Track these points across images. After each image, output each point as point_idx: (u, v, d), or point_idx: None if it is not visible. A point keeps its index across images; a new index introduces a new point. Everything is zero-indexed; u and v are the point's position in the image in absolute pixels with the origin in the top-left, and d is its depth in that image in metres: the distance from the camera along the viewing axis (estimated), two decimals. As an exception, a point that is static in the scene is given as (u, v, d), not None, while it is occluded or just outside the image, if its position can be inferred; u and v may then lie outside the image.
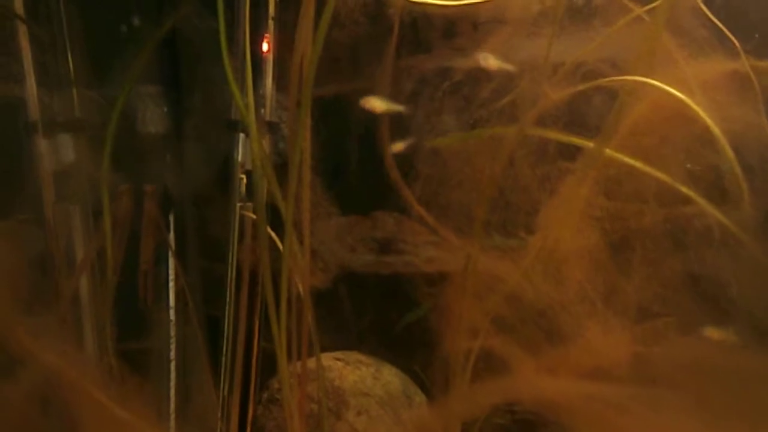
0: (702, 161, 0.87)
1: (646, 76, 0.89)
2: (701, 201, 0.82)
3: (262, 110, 1.11)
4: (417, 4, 1.16)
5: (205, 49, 1.25)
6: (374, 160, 1.30)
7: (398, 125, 1.22)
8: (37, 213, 1.04)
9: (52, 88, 1.08)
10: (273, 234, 0.90)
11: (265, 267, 0.85)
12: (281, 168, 1.09)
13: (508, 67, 1.13)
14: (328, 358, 1.00)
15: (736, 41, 1.03)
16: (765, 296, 0.85)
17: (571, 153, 1.11)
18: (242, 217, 1.12)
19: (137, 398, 0.82)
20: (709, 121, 0.78)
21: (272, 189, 0.86)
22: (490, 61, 1.03)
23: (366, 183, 1.31)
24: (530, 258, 1.01)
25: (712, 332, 0.77)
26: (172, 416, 1.17)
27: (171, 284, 1.18)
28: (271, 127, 1.14)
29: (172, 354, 1.19)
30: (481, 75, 1.29)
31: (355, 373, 0.98)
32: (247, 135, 1.11)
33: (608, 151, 0.92)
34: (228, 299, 1.12)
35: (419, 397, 1.00)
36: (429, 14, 1.29)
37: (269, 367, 1.15)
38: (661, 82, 0.91)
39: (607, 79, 0.84)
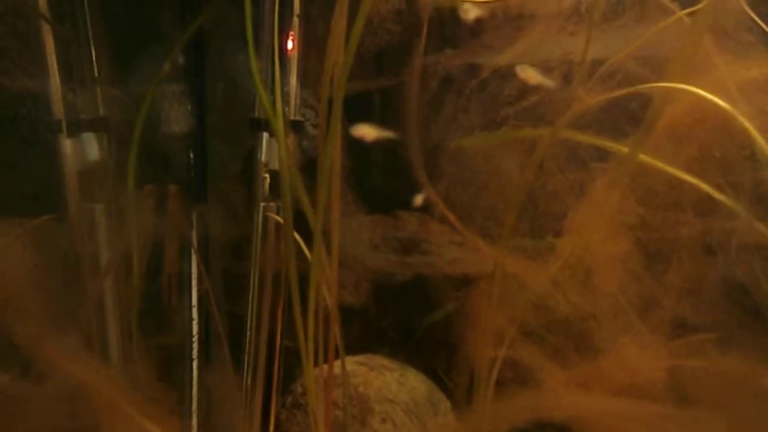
0: (742, 170, 0.84)
1: (685, 80, 0.86)
2: (741, 210, 0.79)
3: (286, 109, 1.10)
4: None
5: (229, 47, 1.23)
6: (398, 158, 1.28)
7: (423, 123, 1.20)
8: (61, 212, 1.04)
9: (75, 87, 1.07)
10: (300, 240, 0.88)
11: (292, 274, 0.84)
12: (306, 168, 1.08)
13: (548, 83, 1.10)
14: (351, 363, 0.99)
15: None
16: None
17: (601, 155, 1.08)
18: (266, 217, 1.11)
19: (162, 406, 0.81)
20: (752, 130, 0.75)
21: (300, 196, 0.85)
22: (528, 72, 1.00)
23: (389, 182, 1.29)
24: (558, 263, 0.98)
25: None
26: (194, 416, 1.18)
27: (194, 283, 1.18)
28: (295, 126, 1.13)
29: (195, 353, 1.19)
30: (508, 72, 1.26)
31: (379, 378, 0.97)
32: (271, 135, 1.10)
33: (642, 157, 0.89)
34: (251, 298, 1.12)
35: (444, 404, 0.99)
36: (456, 10, 1.27)
37: (292, 369, 1.15)
38: (699, 85, 0.87)
39: (646, 86, 0.81)
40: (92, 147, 1.08)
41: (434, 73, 1.27)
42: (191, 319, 1.18)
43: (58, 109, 1.06)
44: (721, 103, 0.80)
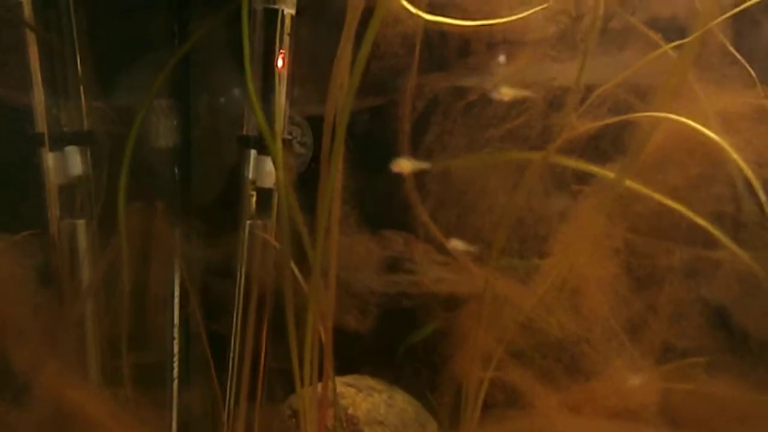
0: (725, 198, 0.87)
1: (669, 109, 0.89)
2: (727, 241, 0.81)
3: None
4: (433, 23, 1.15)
5: (214, 62, 1.22)
6: (384, 178, 1.29)
7: (411, 143, 1.21)
8: (42, 228, 1.02)
9: (59, 99, 1.05)
10: (296, 271, 0.87)
11: (288, 295, 0.83)
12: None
13: (525, 93, 1.12)
14: (339, 384, 0.98)
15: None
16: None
17: (584, 178, 1.11)
18: (252, 235, 1.10)
19: (151, 426, 0.79)
20: (738, 159, 0.78)
21: (295, 216, 0.84)
22: (503, 91, 1.02)
23: (376, 201, 1.29)
24: (545, 285, 1.00)
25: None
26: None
27: (175, 302, 1.16)
28: (284, 144, 1.12)
29: (175, 372, 1.17)
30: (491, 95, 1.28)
31: (368, 400, 0.96)
32: (259, 152, 1.09)
33: (628, 182, 0.92)
34: (235, 318, 1.10)
35: (432, 425, 0.99)
36: (445, 33, 1.28)
37: (277, 390, 1.13)
38: (681, 113, 0.90)
39: (637, 115, 0.83)
40: (75, 161, 1.06)
41: (421, 95, 1.29)
42: (172, 338, 1.16)
43: (41, 122, 1.04)
44: (708, 132, 0.83)
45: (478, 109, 1.27)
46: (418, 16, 1.00)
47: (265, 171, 1.10)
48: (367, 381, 1.03)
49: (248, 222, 1.10)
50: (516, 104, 1.24)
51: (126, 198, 1.05)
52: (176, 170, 1.18)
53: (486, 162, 1.14)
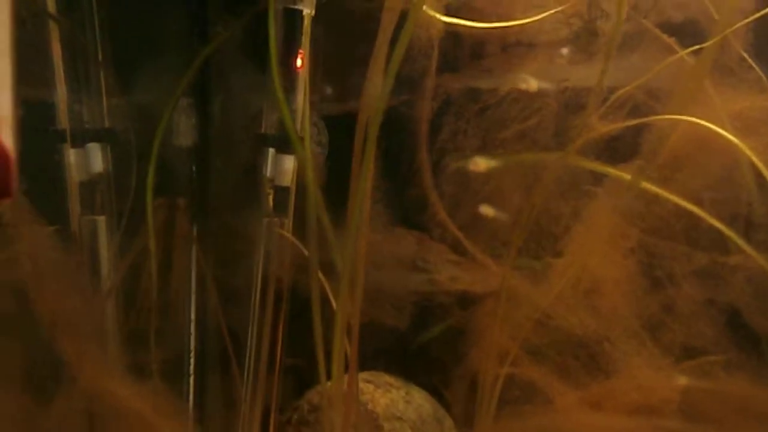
0: (742, 199, 0.88)
1: (685, 111, 0.91)
2: (742, 243, 0.83)
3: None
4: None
5: (231, 60, 1.23)
6: (399, 177, 1.30)
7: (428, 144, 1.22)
8: (63, 224, 1.02)
9: (81, 96, 1.06)
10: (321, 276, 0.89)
11: (314, 292, 0.85)
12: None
13: (547, 85, 1.14)
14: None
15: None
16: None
17: (598, 177, 1.12)
18: (270, 233, 1.11)
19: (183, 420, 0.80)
20: (757, 161, 0.80)
21: (321, 216, 0.85)
22: (530, 82, 1.03)
23: (391, 199, 1.31)
24: (561, 284, 1.01)
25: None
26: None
27: (192, 297, 1.17)
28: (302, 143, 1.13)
29: (192, 368, 1.18)
30: (506, 97, 1.29)
31: (386, 396, 0.98)
32: (277, 151, 1.10)
33: (645, 184, 0.94)
34: (252, 314, 1.11)
35: (448, 422, 1.00)
36: (459, 34, 1.30)
37: (293, 386, 1.15)
38: (697, 116, 0.92)
39: (656, 117, 0.85)
40: (96, 158, 1.07)
41: (435, 96, 1.30)
42: (189, 334, 1.17)
43: (64, 118, 1.05)
44: (725, 133, 0.85)
45: (492, 111, 1.28)
46: (436, 19, 1.02)
47: (282, 169, 1.11)
48: (384, 377, 1.04)
49: (266, 220, 1.11)
50: (529, 106, 1.25)
51: (145, 195, 1.06)
52: (194, 167, 1.19)
53: (500, 163, 1.16)
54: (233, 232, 1.19)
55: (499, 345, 1.00)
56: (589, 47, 1.28)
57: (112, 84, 1.08)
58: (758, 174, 0.84)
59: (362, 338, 1.24)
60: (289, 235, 1.09)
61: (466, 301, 1.15)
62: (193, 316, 1.18)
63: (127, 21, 1.12)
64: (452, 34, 1.30)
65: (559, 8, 1.17)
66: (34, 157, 1.08)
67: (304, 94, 1.09)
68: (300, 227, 1.10)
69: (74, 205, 1.05)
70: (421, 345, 1.21)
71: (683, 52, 0.93)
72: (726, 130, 0.88)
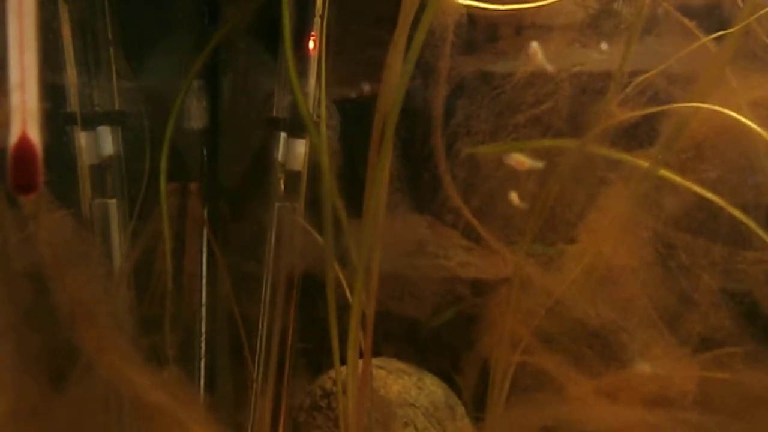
0: (762, 187, 0.87)
1: (704, 98, 0.89)
2: (761, 232, 0.82)
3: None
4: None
5: (242, 43, 1.22)
6: (411, 160, 1.29)
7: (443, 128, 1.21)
8: (75, 207, 1.02)
9: (91, 78, 1.05)
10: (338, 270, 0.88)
11: (330, 279, 0.84)
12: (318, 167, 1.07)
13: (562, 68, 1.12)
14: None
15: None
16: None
17: (613, 163, 1.11)
18: (281, 217, 1.10)
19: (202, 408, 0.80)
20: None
21: (335, 202, 0.85)
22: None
23: (402, 184, 1.29)
24: (575, 271, 1.00)
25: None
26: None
27: (203, 282, 1.17)
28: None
29: (203, 351, 1.18)
30: (520, 81, 1.28)
31: (398, 382, 0.98)
32: (289, 135, 1.09)
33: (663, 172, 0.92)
34: (264, 299, 1.11)
35: (460, 408, 1.00)
36: (473, 17, 1.28)
37: (303, 371, 1.15)
38: (717, 103, 0.90)
39: (677, 105, 0.83)
40: (107, 141, 1.06)
41: (448, 78, 1.28)
42: (200, 318, 1.17)
43: (74, 101, 1.04)
44: (748, 122, 0.83)
45: (506, 95, 1.26)
46: (452, 2, 1.00)
47: (294, 153, 1.10)
48: (396, 364, 1.04)
49: (277, 204, 1.10)
50: (544, 89, 1.24)
51: (157, 179, 1.05)
52: (205, 151, 1.18)
53: (514, 149, 1.14)
54: (245, 216, 1.19)
55: (511, 332, 0.99)
56: (605, 31, 1.26)
57: (122, 67, 1.07)
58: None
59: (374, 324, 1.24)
60: (300, 220, 1.08)
61: (478, 287, 1.14)
62: (203, 300, 1.18)
63: (136, 2, 1.10)
64: (466, 16, 1.28)
65: (575, -9, 1.15)
66: (45, 140, 1.07)
67: (319, 78, 1.07)
68: (311, 212, 1.09)
69: (85, 189, 1.05)
70: (433, 331, 1.20)
71: (705, 39, 0.91)
72: (749, 118, 0.86)
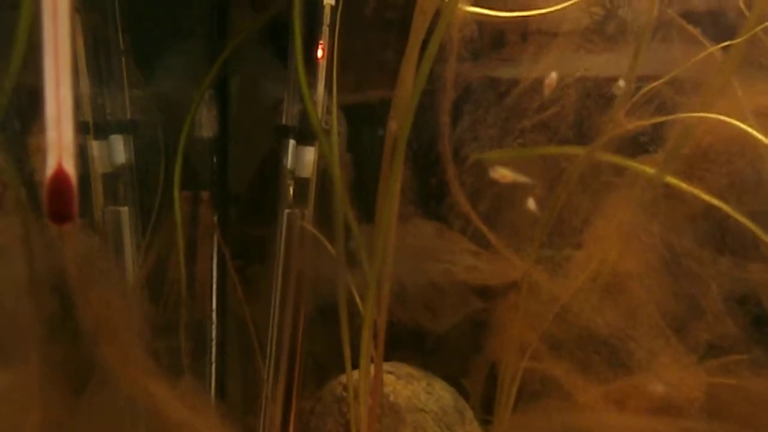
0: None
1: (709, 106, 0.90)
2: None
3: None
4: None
5: (250, 51, 1.23)
6: (418, 166, 1.30)
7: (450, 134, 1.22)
8: (88, 216, 1.03)
9: (103, 87, 1.06)
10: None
11: (341, 288, 0.85)
12: (326, 173, 1.09)
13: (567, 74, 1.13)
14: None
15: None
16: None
17: (618, 168, 1.12)
18: (290, 224, 1.11)
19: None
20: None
21: (347, 211, 0.86)
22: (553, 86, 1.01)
23: (409, 189, 1.31)
24: (582, 277, 1.01)
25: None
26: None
27: (213, 287, 1.18)
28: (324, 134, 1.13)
29: (213, 356, 1.19)
30: (526, 86, 1.29)
31: (407, 387, 0.99)
32: (298, 142, 1.10)
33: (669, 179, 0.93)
34: (273, 304, 1.13)
35: (469, 413, 1.02)
36: (478, 23, 1.29)
37: (313, 375, 1.16)
38: (723, 111, 0.91)
39: (682, 115, 0.84)
40: (119, 149, 1.07)
41: (454, 85, 1.29)
42: (211, 323, 1.18)
43: (86, 110, 1.05)
44: (754, 132, 0.84)
45: (511, 100, 1.27)
46: (460, 9, 1.01)
47: (303, 160, 1.11)
48: (405, 368, 1.05)
49: (286, 211, 1.12)
50: (550, 95, 1.25)
51: (169, 187, 1.07)
52: (214, 158, 1.19)
53: (521, 156, 1.15)
54: (255, 222, 1.20)
55: (519, 338, 1.00)
56: (611, 37, 1.27)
57: (133, 75, 1.08)
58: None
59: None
60: (309, 227, 1.09)
61: (486, 292, 1.15)
62: (214, 306, 1.20)
63: (147, 11, 1.12)
64: (472, 22, 1.29)
65: (582, -2, 1.16)
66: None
67: (331, 87, 1.09)
68: (319, 218, 1.11)
69: (98, 197, 1.06)
70: (440, 335, 1.21)
71: (713, 48, 0.92)
72: (754, 127, 0.87)
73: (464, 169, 1.25)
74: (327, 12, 1.09)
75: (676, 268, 0.89)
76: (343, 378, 1.01)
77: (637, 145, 1.09)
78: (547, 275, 1.06)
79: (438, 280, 1.24)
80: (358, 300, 0.95)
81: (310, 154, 1.10)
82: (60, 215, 0.36)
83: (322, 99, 1.13)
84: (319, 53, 1.10)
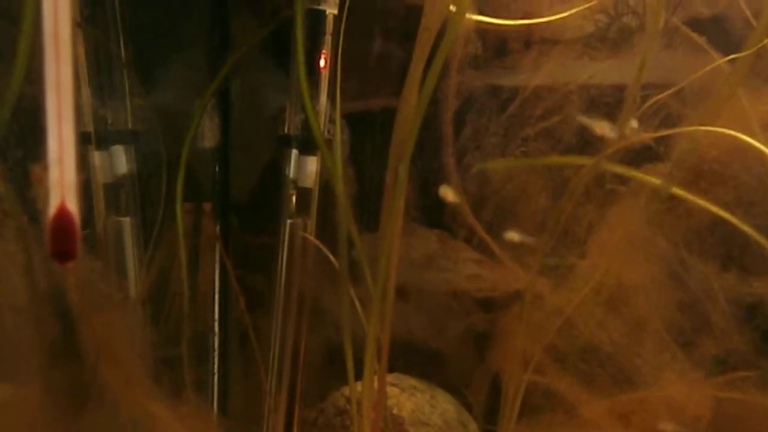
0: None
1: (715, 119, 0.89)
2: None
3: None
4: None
5: (251, 60, 1.23)
6: (421, 175, 1.29)
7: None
8: (90, 227, 1.03)
9: (105, 98, 1.06)
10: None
11: (344, 300, 0.85)
12: (328, 183, 1.08)
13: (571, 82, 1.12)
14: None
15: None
16: None
17: (624, 178, 1.11)
18: (292, 234, 1.11)
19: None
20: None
21: (349, 224, 0.85)
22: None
23: (412, 198, 1.30)
24: (586, 289, 1.01)
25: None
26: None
27: (216, 298, 1.18)
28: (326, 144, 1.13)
29: (216, 367, 1.19)
30: (529, 95, 1.28)
31: (411, 400, 0.98)
32: (300, 152, 1.10)
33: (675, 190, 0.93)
34: (276, 316, 1.12)
35: (472, 426, 1.01)
36: (481, 31, 1.28)
37: (315, 387, 1.16)
38: (729, 122, 0.90)
39: (691, 128, 0.84)
40: (121, 160, 1.07)
41: (457, 93, 1.29)
42: (213, 333, 1.18)
43: (88, 121, 1.05)
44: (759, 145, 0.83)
45: (514, 108, 1.27)
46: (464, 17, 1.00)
47: (306, 170, 1.11)
48: (409, 380, 1.05)
49: (289, 221, 1.11)
50: (553, 104, 1.24)
51: (171, 197, 1.06)
52: (216, 168, 1.19)
53: (524, 165, 1.15)
54: (257, 233, 1.20)
55: (522, 349, 1.00)
56: (615, 44, 1.26)
57: (135, 86, 1.08)
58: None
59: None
60: (311, 238, 1.09)
61: (489, 303, 1.15)
62: (216, 316, 1.19)
63: (149, 21, 1.11)
64: (475, 30, 1.28)
65: (587, 5, 1.15)
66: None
67: (334, 96, 1.08)
68: (322, 228, 1.10)
69: (99, 207, 1.06)
70: (443, 346, 1.21)
71: (720, 61, 0.91)
72: (757, 137, 0.86)
73: (467, 177, 1.25)
74: (330, 21, 1.08)
75: (681, 281, 0.88)
76: (346, 390, 1.00)
77: (643, 156, 1.09)
78: (551, 286, 1.06)
79: (441, 290, 1.24)
80: (360, 312, 0.94)
81: (312, 163, 1.09)
82: (63, 254, 0.35)
83: (324, 108, 1.13)
84: (322, 62, 1.09)
